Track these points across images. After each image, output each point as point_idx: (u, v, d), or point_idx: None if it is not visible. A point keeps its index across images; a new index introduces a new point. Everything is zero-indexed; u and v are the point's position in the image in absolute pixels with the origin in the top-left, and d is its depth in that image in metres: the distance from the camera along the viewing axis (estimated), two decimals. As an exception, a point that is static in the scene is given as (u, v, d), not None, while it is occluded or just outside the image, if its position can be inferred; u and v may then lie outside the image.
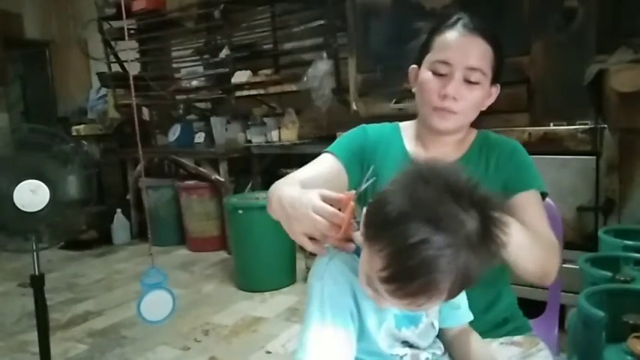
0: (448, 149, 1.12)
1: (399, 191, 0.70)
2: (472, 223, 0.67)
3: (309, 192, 0.85)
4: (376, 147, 1.15)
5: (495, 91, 1.12)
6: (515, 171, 1.09)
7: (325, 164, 1.12)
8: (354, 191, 0.83)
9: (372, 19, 2.66)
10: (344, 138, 1.19)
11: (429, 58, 1.06)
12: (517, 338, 1.06)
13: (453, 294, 0.70)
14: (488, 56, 1.05)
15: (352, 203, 0.81)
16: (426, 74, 1.06)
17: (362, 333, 0.85)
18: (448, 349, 0.95)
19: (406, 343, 0.88)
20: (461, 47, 1.03)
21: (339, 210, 0.81)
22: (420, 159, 0.78)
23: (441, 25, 1.07)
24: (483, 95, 1.07)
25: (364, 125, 1.21)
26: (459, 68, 1.02)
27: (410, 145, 1.15)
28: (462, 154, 1.12)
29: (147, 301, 2.06)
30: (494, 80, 1.09)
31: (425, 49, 1.08)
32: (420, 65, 1.09)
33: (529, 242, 0.92)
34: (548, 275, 0.99)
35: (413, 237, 0.66)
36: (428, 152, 1.12)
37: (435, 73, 1.05)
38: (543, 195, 1.10)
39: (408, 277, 0.68)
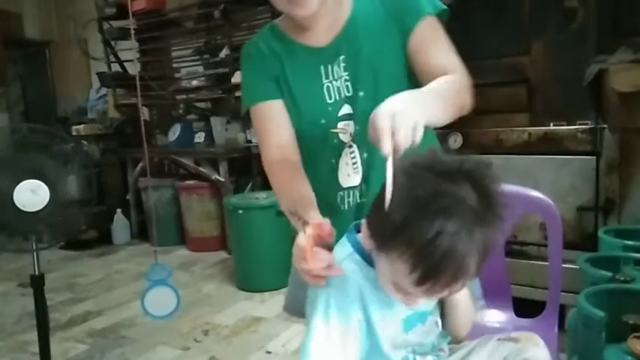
0: (334, 14, 1.08)
1: (395, 195, 0.71)
2: (471, 195, 0.69)
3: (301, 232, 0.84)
4: (273, 56, 1.12)
5: None
6: (403, 7, 1.05)
7: (270, 119, 1.10)
8: (321, 222, 0.83)
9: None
10: (249, 78, 1.16)
11: None
12: (514, 334, 1.06)
13: (480, 269, 0.71)
14: None
15: (310, 231, 0.80)
16: None
17: (370, 342, 0.84)
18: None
19: (411, 349, 0.88)
20: None
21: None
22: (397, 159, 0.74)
23: None
24: None
25: (245, 51, 1.17)
26: None
27: (297, 36, 1.11)
28: (350, 9, 1.08)
29: (151, 296, 2.08)
30: None
31: None
32: None
33: (444, 95, 0.91)
34: (463, 110, 0.99)
35: (428, 233, 0.67)
36: (315, 30, 1.08)
37: None
38: (442, 14, 1.07)
39: (438, 271, 0.69)
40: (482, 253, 0.70)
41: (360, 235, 0.86)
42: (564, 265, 1.32)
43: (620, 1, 2.09)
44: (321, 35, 1.09)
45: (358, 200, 1.09)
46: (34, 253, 1.79)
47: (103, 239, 4.48)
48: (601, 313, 1.10)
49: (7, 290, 3.46)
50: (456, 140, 2.29)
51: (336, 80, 1.08)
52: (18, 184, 1.67)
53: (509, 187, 1.32)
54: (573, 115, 2.09)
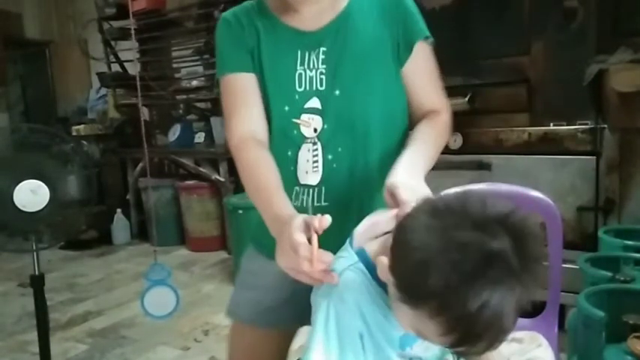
0: (327, 2, 1.03)
1: (433, 251, 0.64)
2: (512, 253, 0.63)
3: (290, 223, 0.78)
4: (252, 29, 1.05)
5: None
6: (404, 20, 1.03)
7: (241, 93, 1.05)
8: (325, 220, 0.77)
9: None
10: (224, 47, 1.08)
11: None
12: (518, 334, 1.06)
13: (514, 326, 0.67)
14: None
15: (316, 227, 0.75)
16: None
17: (375, 352, 0.81)
18: None
19: None
20: None
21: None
22: (430, 198, 0.72)
23: None
24: None
25: (223, 19, 1.09)
26: None
27: (282, 15, 1.05)
28: (346, 2, 1.04)
29: (150, 296, 2.08)
30: None
31: None
32: None
33: (434, 147, 0.98)
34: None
35: (473, 304, 0.61)
36: (304, 13, 1.02)
37: None
38: (431, 42, 1.07)
39: (476, 339, 0.65)
40: (519, 309, 0.65)
41: (367, 248, 0.82)
42: (564, 265, 1.32)
43: (620, 1, 2.09)
44: (308, 19, 1.03)
45: (316, 203, 1.03)
46: (34, 253, 1.79)
47: (103, 239, 4.48)
48: (601, 313, 1.10)
49: (7, 290, 3.46)
50: (455, 140, 2.29)
51: (311, 70, 1.02)
52: (18, 184, 1.67)
53: (509, 187, 1.32)
54: (573, 115, 2.09)
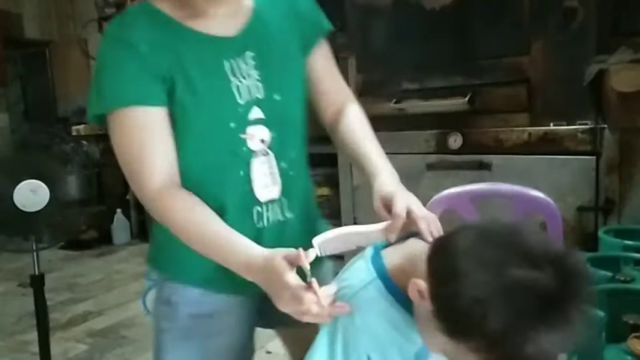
0: (235, 1, 0.96)
1: (490, 290, 0.61)
2: (569, 300, 0.61)
3: (274, 268, 0.75)
4: (163, 49, 0.89)
5: None
6: (306, 13, 1.04)
7: (152, 131, 0.90)
8: (311, 255, 0.76)
9: (372, 19, 2.66)
10: (122, 74, 0.88)
11: None
12: None
13: None
14: None
15: (307, 265, 0.75)
16: None
17: None
18: None
19: None
20: None
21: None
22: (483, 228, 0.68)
23: None
24: None
25: (118, 36, 0.90)
26: None
27: (188, 22, 0.92)
28: (250, 3, 0.99)
29: (152, 295, 2.09)
30: None
31: None
32: None
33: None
34: None
35: (526, 348, 0.59)
36: (212, 16, 0.93)
37: None
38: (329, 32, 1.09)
39: None
40: None
41: (387, 262, 0.80)
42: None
43: (620, 1, 2.09)
44: (219, 23, 0.94)
45: (280, 218, 0.98)
46: (34, 253, 1.79)
47: (103, 239, 4.49)
48: (601, 313, 1.10)
49: (7, 290, 3.46)
50: (455, 140, 2.30)
51: (245, 79, 0.94)
52: (18, 184, 1.67)
53: (509, 187, 1.32)
54: (573, 115, 2.09)
